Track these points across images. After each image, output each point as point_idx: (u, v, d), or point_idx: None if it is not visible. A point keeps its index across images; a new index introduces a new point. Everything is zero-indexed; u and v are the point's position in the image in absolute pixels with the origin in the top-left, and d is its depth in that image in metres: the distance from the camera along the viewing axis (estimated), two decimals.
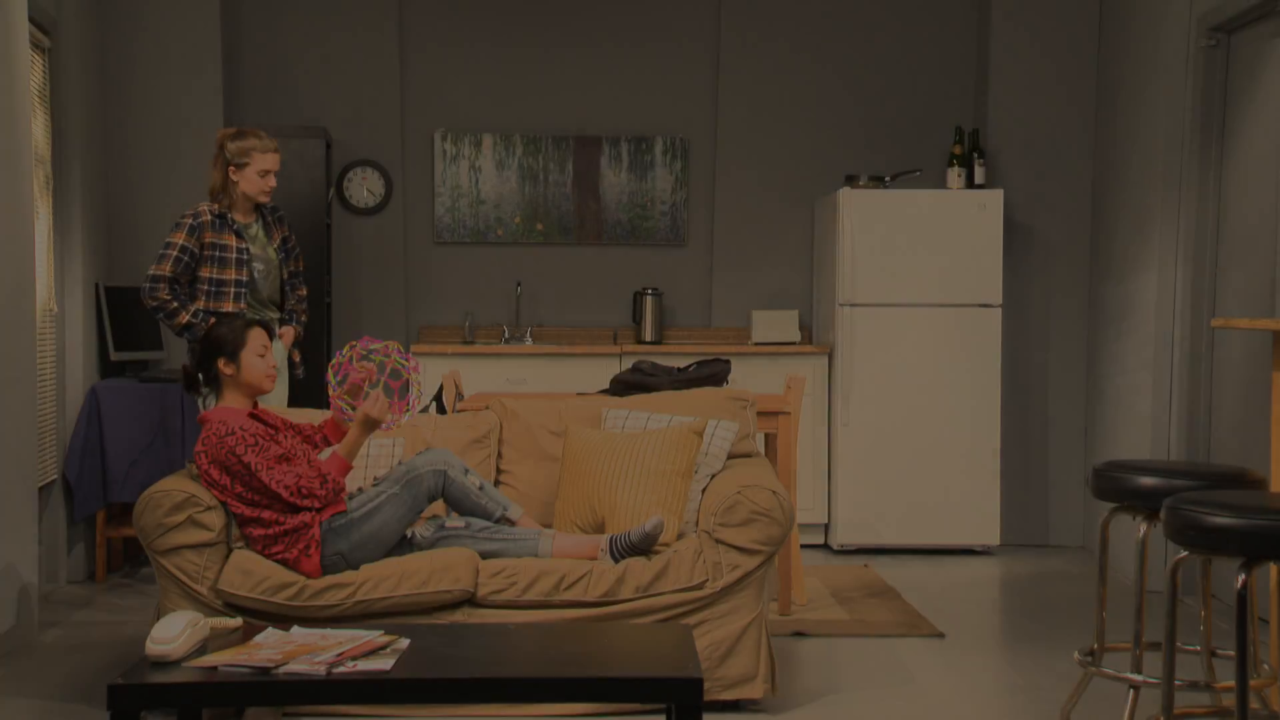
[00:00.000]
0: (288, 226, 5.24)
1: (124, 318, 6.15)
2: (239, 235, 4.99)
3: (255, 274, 5.02)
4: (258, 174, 4.97)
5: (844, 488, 6.54)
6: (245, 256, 4.97)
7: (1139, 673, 3.43)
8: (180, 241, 4.93)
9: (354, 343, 4.16)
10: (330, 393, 4.13)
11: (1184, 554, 2.94)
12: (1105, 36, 6.63)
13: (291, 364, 5.21)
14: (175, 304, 4.91)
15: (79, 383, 5.84)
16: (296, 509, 3.86)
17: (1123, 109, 6.35)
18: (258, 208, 5.12)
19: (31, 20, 5.32)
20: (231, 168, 4.99)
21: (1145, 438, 5.91)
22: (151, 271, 4.92)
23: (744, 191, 7.13)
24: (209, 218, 4.95)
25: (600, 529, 4.18)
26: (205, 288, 4.94)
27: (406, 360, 4.13)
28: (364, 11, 6.95)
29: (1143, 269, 6.02)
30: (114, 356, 6.04)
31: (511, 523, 4.05)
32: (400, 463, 4.04)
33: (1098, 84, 6.73)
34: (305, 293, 5.30)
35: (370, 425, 3.95)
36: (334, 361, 4.14)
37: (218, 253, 4.95)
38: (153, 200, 6.48)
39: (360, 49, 6.96)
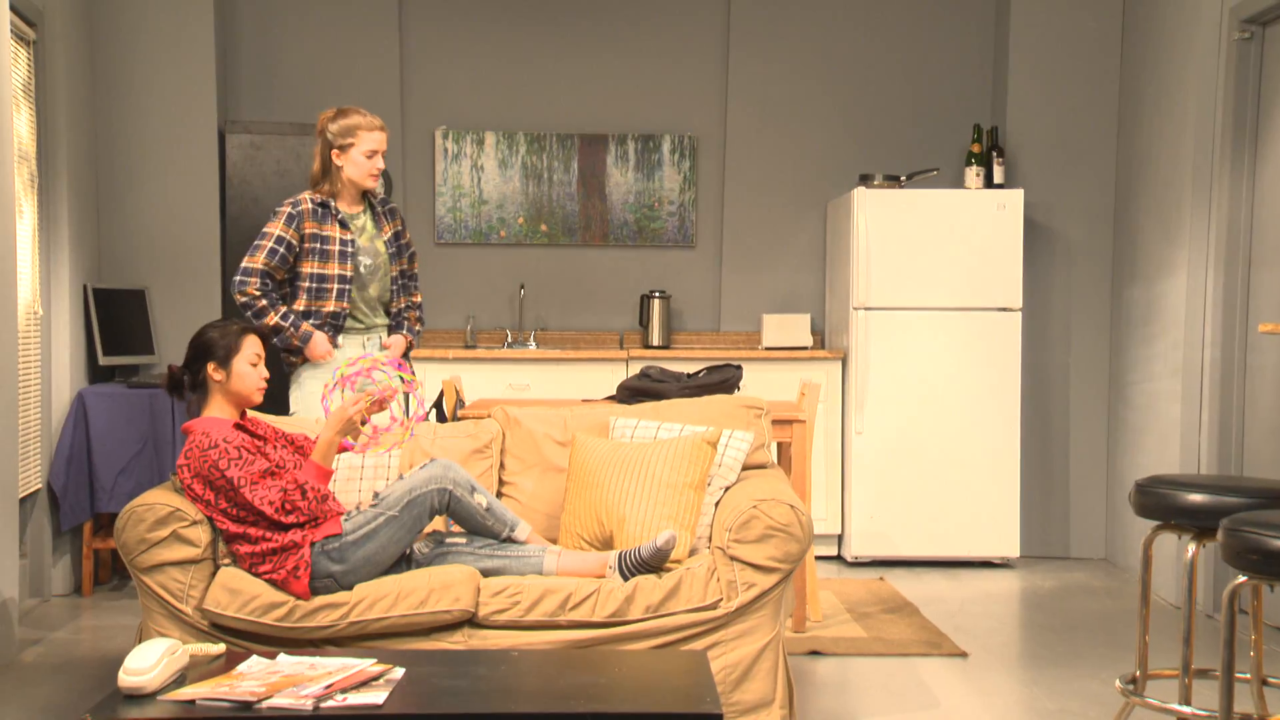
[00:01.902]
0: (401, 221, 4.72)
1: (113, 321, 5.94)
2: (344, 225, 4.52)
3: (362, 269, 4.54)
4: (364, 155, 4.49)
5: (858, 498, 6.32)
6: (350, 249, 4.49)
7: (1188, 704, 3.21)
8: (276, 231, 4.44)
9: (373, 360, 3.91)
10: (323, 397, 3.91)
11: (1242, 579, 2.72)
12: (1130, 29, 6.41)
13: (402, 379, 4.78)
14: (264, 302, 4.41)
15: (65, 388, 5.63)
16: (284, 526, 3.64)
17: (1149, 105, 6.13)
18: (365, 197, 4.64)
19: (15, 11, 5.13)
20: (335, 151, 4.50)
21: (1174, 447, 5.69)
22: (243, 264, 4.44)
23: (754, 191, 6.92)
24: (309, 206, 4.48)
25: (608, 544, 3.96)
26: (306, 284, 4.47)
27: (418, 402, 3.91)
28: (364, 4, 6.75)
29: (1171, 271, 5.80)
30: (103, 361, 5.83)
31: (517, 542, 3.82)
32: (402, 476, 3.80)
33: (1122, 79, 6.51)
34: (420, 299, 4.78)
35: (345, 428, 3.73)
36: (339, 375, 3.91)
37: (320, 245, 4.47)
38: (145, 199, 6.27)
39: (359, 43, 6.76)
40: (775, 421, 4.93)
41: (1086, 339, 6.61)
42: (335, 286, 4.50)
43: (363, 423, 3.79)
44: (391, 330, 4.72)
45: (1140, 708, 3.90)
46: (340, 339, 4.59)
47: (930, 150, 6.91)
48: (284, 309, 4.47)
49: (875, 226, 6.27)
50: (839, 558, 6.56)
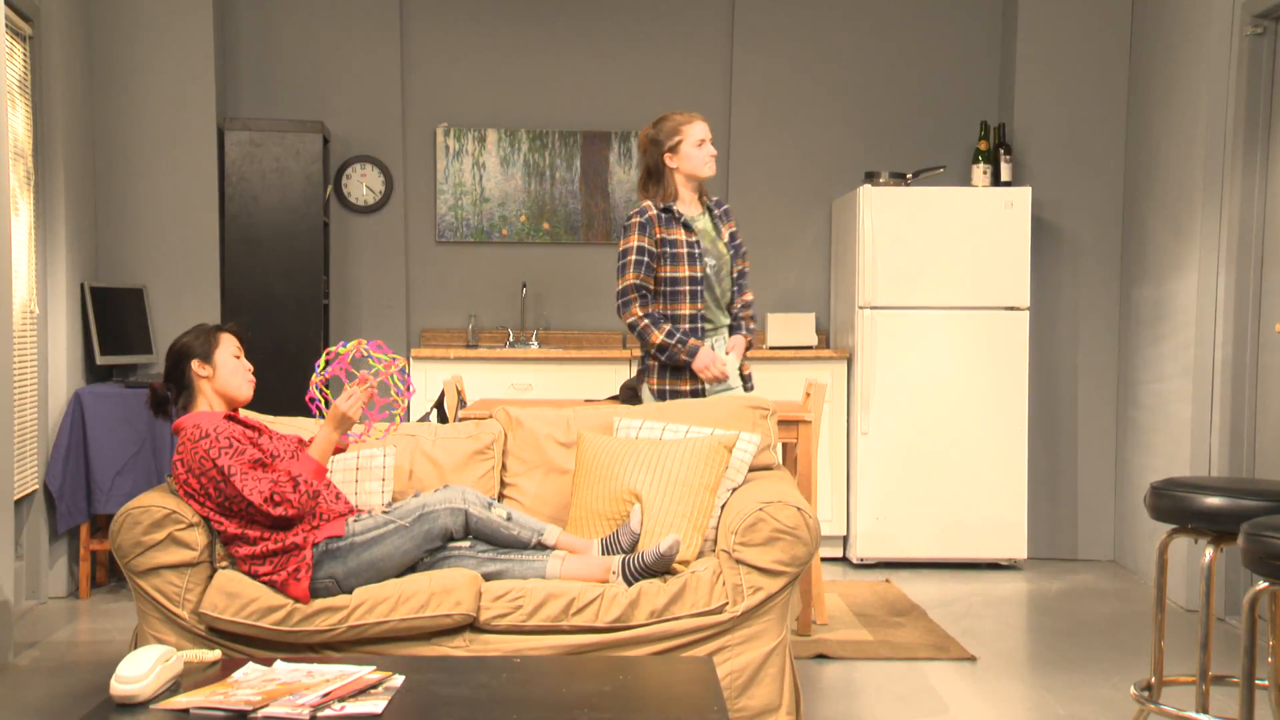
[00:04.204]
0: (734, 222, 4.73)
1: (110, 320, 5.88)
2: (687, 228, 4.55)
3: (709, 270, 4.55)
4: (694, 146, 4.53)
5: (864, 499, 6.25)
6: (697, 250, 4.52)
7: (1205, 711, 3.13)
8: (635, 243, 4.49)
9: (359, 342, 3.85)
10: (313, 382, 3.84)
11: (1263, 585, 2.64)
12: (1139, 24, 6.34)
13: (743, 376, 4.68)
14: (646, 321, 4.47)
15: (62, 388, 5.56)
16: (277, 523, 3.57)
17: (1159, 101, 6.06)
18: (702, 201, 4.64)
19: (11, 6, 5.06)
20: (666, 154, 4.53)
21: (1184, 448, 5.61)
22: (618, 286, 4.53)
23: (759, 189, 6.85)
24: (655, 212, 4.51)
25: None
26: (661, 288, 4.52)
27: (404, 382, 3.84)
28: (364, 0, 6.68)
29: (1182, 270, 5.72)
30: (100, 360, 5.76)
31: (547, 548, 3.75)
32: (416, 494, 3.76)
33: (1131, 74, 6.43)
34: (751, 298, 4.72)
35: (343, 424, 3.67)
36: (328, 356, 3.84)
37: (670, 249, 4.50)
38: (143, 196, 6.20)
39: (360, 39, 6.69)
40: (781, 422, 4.86)
41: (1095, 338, 6.54)
42: (687, 289, 4.51)
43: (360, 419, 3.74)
44: (731, 330, 4.68)
45: (1155, 715, 3.83)
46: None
47: (937, 147, 6.84)
48: (669, 326, 4.48)
49: (881, 225, 6.20)
50: (844, 559, 6.48)
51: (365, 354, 3.81)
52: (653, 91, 6.86)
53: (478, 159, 6.81)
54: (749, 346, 4.68)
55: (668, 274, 4.53)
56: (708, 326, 4.60)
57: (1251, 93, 5.24)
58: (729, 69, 6.85)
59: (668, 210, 4.54)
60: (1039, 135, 6.53)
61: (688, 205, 4.60)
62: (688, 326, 4.53)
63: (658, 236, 4.51)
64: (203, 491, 3.59)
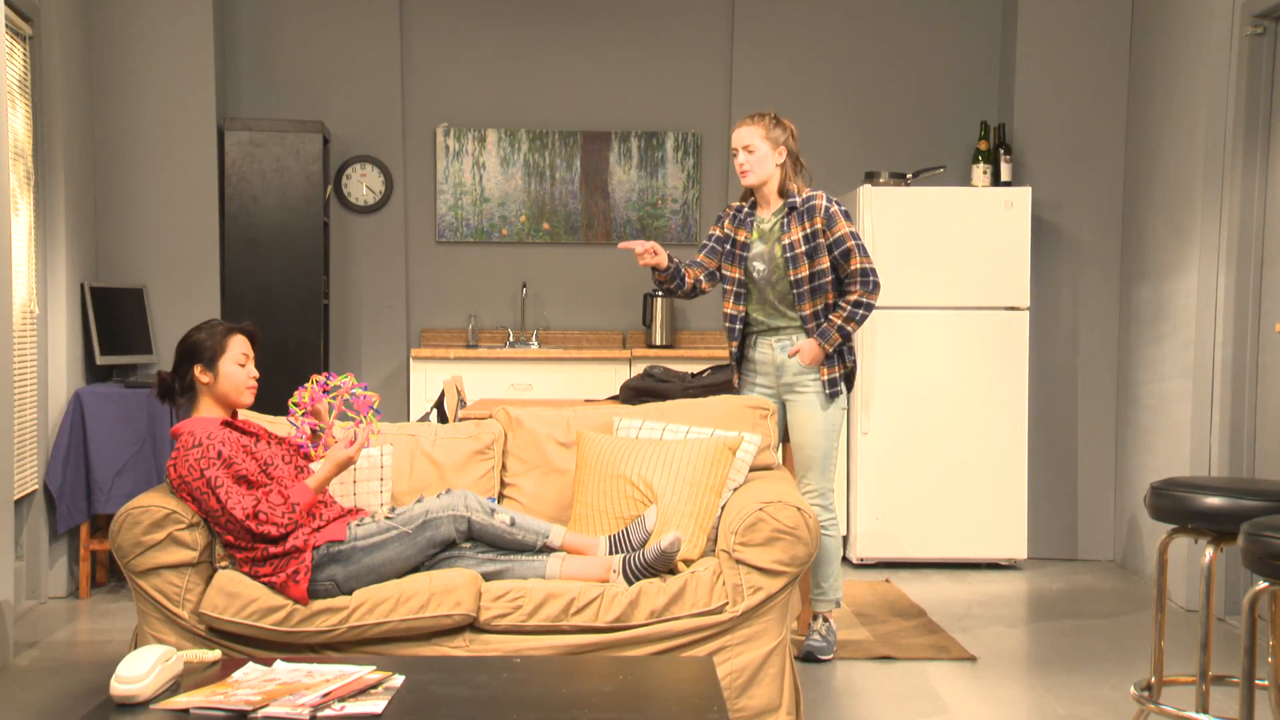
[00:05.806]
0: (826, 218, 4.50)
1: (111, 320, 5.88)
2: (746, 229, 4.65)
3: (755, 274, 4.59)
4: (733, 155, 4.72)
5: (864, 499, 6.25)
6: (744, 254, 4.63)
7: (1205, 711, 3.13)
8: (713, 230, 4.79)
9: (317, 377, 3.87)
10: (291, 419, 3.84)
11: (1263, 585, 2.64)
12: (1139, 24, 6.34)
13: (823, 383, 4.55)
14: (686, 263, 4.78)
15: (62, 388, 5.56)
16: (258, 539, 3.56)
17: (1159, 101, 6.06)
18: (785, 199, 4.58)
19: (11, 6, 5.06)
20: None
21: (1184, 448, 5.61)
22: None
23: None
24: (731, 210, 4.74)
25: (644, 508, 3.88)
26: (722, 285, 4.76)
27: (365, 394, 3.83)
28: (364, 0, 6.68)
29: (1182, 270, 5.72)
30: (100, 360, 5.76)
31: (553, 549, 3.75)
32: (420, 499, 3.76)
33: (1131, 74, 6.43)
34: (857, 295, 4.49)
35: (345, 467, 3.69)
36: (297, 398, 3.84)
37: (729, 248, 4.68)
38: (143, 196, 6.20)
39: (360, 39, 6.69)
40: None
41: (1095, 338, 6.53)
42: (732, 290, 4.68)
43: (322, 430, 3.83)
44: (809, 332, 4.57)
45: (1155, 715, 3.83)
46: (755, 339, 4.69)
47: (936, 147, 6.84)
48: (687, 273, 4.68)
49: (881, 225, 6.20)
50: (845, 559, 6.48)
51: (351, 392, 3.82)
52: (653, 91, 6.86)
53: (478, 159, 6.81)
54: (819, 353, 4.52)
55: (724, 271, 4.71)
56: (759, 327, 4.67)
57: (1251, 93, 5.24)
58: (729, 69, 6.85)
59: (741, 210, 4.70)
60: (1039, 135, 6.53)
61: (764, 205, 4.66)
62: (728, 325, 4.71)
63: (726, 231, 4.70)
64: (192, 500, 3.61)
